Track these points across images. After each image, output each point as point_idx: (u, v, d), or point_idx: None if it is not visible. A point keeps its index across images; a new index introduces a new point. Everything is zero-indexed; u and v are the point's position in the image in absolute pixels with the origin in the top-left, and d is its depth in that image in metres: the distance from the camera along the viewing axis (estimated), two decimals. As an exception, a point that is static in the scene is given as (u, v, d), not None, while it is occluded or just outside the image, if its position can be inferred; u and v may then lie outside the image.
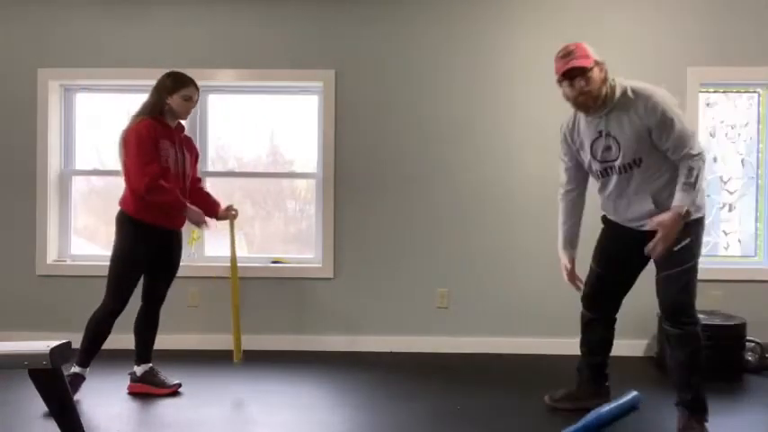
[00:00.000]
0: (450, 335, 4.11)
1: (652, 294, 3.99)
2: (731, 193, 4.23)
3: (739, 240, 4.24)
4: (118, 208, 3.15)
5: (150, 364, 3.25)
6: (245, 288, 3.68)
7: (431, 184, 4.12)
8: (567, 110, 4.25)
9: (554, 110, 4.08)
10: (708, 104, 4.20)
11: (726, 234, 4.24)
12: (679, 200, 2.52)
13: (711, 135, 4.21)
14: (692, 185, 2.50)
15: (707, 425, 2.69)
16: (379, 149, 4.12)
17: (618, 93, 2.63)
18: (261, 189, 4.44)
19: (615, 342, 3.66)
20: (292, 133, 4.35)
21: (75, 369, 3.04)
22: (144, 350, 3.25)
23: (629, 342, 4.04)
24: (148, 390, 3.17)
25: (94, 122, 4.32)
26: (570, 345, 3.87)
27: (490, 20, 4.09)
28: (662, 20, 4.06)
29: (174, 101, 3.12)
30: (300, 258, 4.30)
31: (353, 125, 4.13)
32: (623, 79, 2.68)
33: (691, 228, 2.60)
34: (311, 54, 4.12)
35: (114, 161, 4.34)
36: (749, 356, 3.74)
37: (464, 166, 4.11)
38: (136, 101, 4.27)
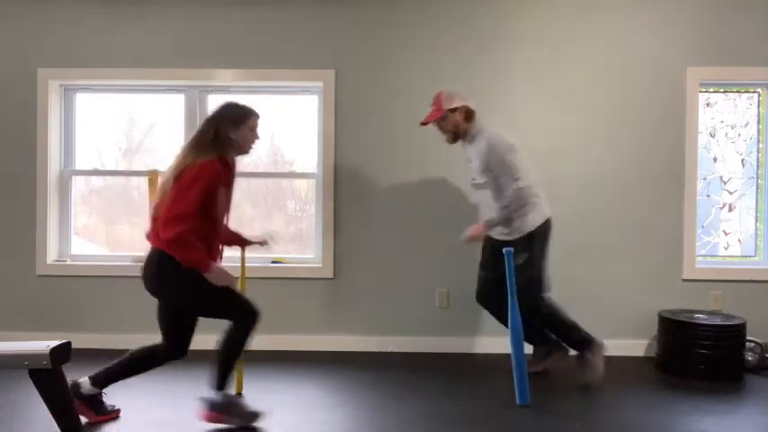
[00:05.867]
0: (450, 335, 4.12)
1: (652, 296, 4.03)
2: (731, 193, 4.22)
3: (739, 240, 4.24)
4: (148, 244, 2.75)
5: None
6: (246, 288, 3.67)
7: (431, 184, 4.12)
8: (568, 112, 4.27)
9: (555, 111, 4.09)
10: (708, 104, 4.20)
11: (726, 234, 4.24)
12: (490, 215, 3.37)
13: (711, 135, 4.21)
14: (502, 209, 3.31)
15: (592, 349, 3.41)
16: (378, 149, 4.12)
17: (475, 131, 3.41)
18: (261, 189, 4.44)
19: (615, 342, 3.68)
20: (292, 133, 4.35)
21: (220, 397, 2.81)
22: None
23: (629, 342, 4.04)
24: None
25: (94, 122, 4.32)
26: (570, 345, 3.88)
27: (491, 19, 4.09)
28: (662, 20, 4.06)
29: (242, 134, 2.78)
30: (300, 258, 4.30)
31: (353, 125, 4.13)
32: (483, 123, 3.44)
33: (524, 245, 3.35)
34: (311, 54, 4.12)
35: (114, 161, 4.38)
36: (749, 356, 3.74)
37: (464, 165, 4.10)
38: (136, 101, 4.36)
